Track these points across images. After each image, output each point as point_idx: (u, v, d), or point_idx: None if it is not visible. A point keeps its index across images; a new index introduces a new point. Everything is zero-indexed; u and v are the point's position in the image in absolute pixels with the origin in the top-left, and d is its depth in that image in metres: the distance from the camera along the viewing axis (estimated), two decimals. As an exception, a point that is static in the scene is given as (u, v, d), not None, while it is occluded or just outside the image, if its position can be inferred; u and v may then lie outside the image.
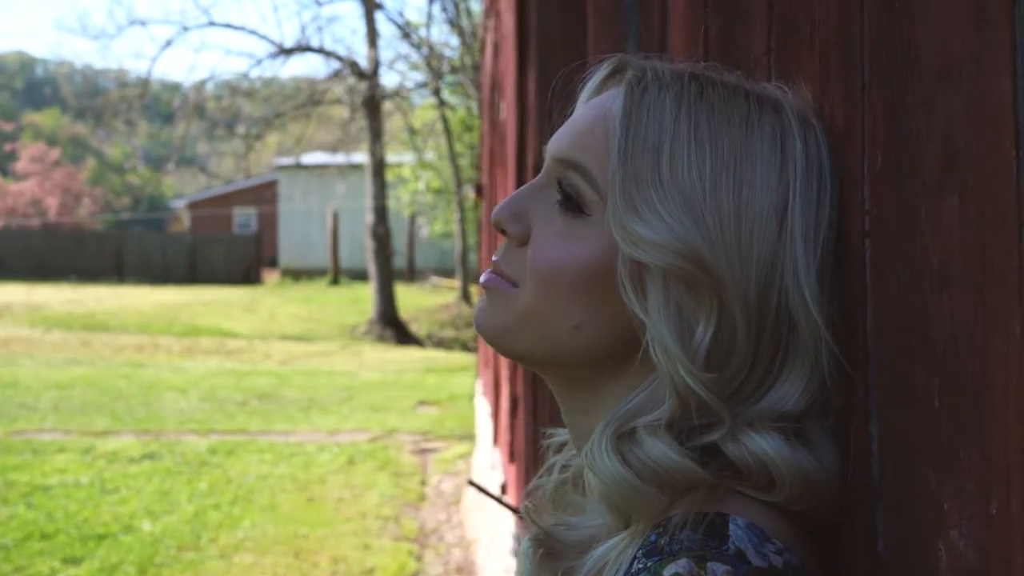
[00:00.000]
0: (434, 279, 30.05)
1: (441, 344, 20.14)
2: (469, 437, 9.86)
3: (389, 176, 23.24)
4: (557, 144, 0.92)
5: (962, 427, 0.71)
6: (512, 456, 4.90)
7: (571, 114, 0.97)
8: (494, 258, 0.93)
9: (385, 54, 25.85)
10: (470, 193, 11.90)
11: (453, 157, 22.80)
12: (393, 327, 21.02)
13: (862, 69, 0.85)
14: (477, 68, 21.10)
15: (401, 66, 24.43)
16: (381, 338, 20.43)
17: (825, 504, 0.83)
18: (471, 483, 4.96)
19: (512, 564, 4.85)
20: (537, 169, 3.75)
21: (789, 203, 0.84)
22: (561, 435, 1.07)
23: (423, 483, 8.78)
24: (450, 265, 31.18)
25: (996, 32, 0.64)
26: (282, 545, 6.92)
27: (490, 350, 8.00)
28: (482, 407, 8.05)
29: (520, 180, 4.39)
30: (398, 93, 23.52)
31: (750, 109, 0.86)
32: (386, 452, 9.75)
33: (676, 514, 0.80)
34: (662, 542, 0.78)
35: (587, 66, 0.99)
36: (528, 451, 4.37)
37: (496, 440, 6.40)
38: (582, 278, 0.86)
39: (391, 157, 24.50)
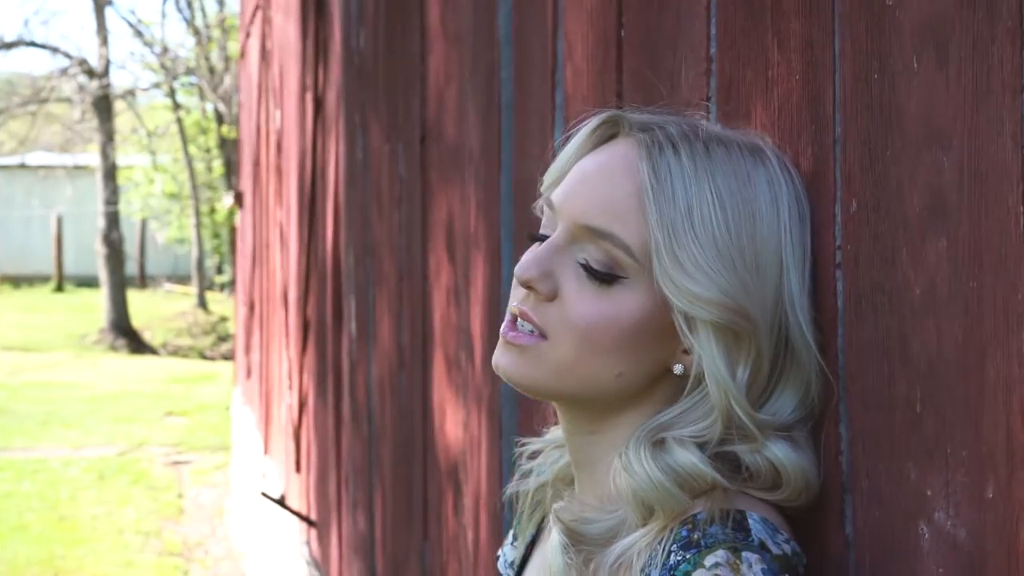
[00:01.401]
0: (167, 286, 28.99)
1: (178, 352, 19.51)
2: (224, 448, 9.66)
3: (120, 179, 22.28)
4: (578, 210, 0.99)
5: (948, 426, 0.86)
6: (298, 465, 4.89)
7: (552, 159, 1.08)
8: (518, 305, 1.00)
9: (117, 52, 24.81)
10: (223, 200, 11.64)
11: (189, 161, 22.15)
12: (127, 336, 20.20)
13: (834, 126, 1.00)
14: (213, 71, 20.64)
15: (134, 65, 23.55)
16: (114, 347, 19.59)
17: (810, 499, 0.98)
18: (263, 494, 4.93)
19: (295, 573, 4.83)
20: (339, 183, 3.78)
21: (784, 242, 0.98)
22: (534, 443, 1.17)
23: (180, 496, 8.57)
24: (184, 271, 30.14)
25: (1001, 112, 0.80)
26: (38, 566, 6.61)
27: (253, 359, 7.88)
28: (245, 417, 7.92)
29: (313, 192, 4.41)
30: (131, 93, 22.63)
31: (746, 162, 0.99)
32: (138, 465, 9.44)
33: (700, 511, 0.93)
34: (695, 536, 0.91)
35: (576, 122, 1.08)
36: (319, 458, 4.38)
37: (267, 450, 6.35)
38: (626, 335, 0.97)
39: (122, 159, 23.49)
